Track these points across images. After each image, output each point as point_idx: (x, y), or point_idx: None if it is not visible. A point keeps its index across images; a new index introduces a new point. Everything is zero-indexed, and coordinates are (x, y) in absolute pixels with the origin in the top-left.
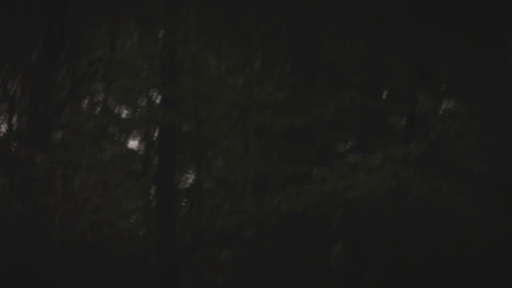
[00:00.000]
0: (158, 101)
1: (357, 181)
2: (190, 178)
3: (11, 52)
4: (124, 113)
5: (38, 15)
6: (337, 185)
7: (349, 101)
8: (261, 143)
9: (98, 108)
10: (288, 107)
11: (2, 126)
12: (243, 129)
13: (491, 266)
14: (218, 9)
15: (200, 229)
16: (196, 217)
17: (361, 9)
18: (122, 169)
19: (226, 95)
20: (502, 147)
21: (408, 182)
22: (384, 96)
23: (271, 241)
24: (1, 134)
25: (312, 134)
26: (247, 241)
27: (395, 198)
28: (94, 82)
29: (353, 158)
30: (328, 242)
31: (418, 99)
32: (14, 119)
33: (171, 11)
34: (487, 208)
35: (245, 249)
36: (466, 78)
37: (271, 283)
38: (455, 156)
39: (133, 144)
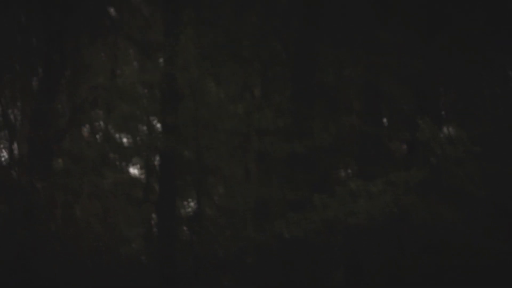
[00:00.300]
0: (158, 128)
1: (358, 207)
2: (191, 204)
3: (11, 79)
4: (125, 140)
5: (38, 42)
6: (338, 211)
7: (349, 127)
8: (262, 169)
9: (99, 135)
10: (288, 133)
11: (3, 153)
12: (244, 156)
13: None
14: (217, 36)
15: (202, 255)
16: (197, 244)
17: (360, 35)
18: (123, 196)
19: (226, 121)
20: (503, 172)
21: (409, 208)
22: (384, 122)
23: (273, 267)
24: (2, 161)
25: (313, 161)
26: (248, 267)
27: (396, 224)
28: (94, 109)
29: (353, 184)
30: (330, 268)
31: (419, 125)
32: (15, 146)
33: (170, 38)
34: (489, 233)
35: (246, 275)
36: (466, 103)
37: None
38: (455, 181)
39: (134, 171)
